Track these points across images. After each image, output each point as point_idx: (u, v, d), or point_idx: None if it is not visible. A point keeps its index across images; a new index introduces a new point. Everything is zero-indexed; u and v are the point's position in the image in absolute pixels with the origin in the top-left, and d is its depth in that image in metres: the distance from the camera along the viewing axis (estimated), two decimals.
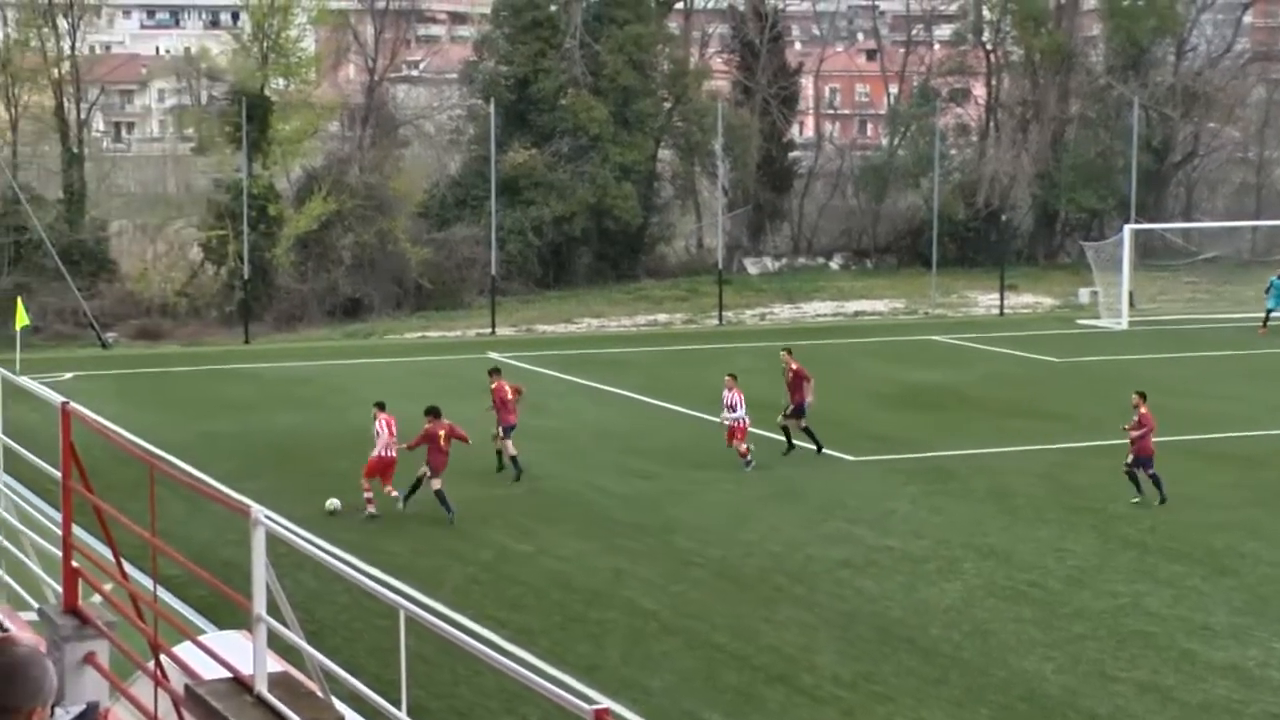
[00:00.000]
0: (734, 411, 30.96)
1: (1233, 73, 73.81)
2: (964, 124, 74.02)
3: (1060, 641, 21.11)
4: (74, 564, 10.69)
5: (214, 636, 12.50)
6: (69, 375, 42.80)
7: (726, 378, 31.54)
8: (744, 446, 30.94)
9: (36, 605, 11.25)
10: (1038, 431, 35.07)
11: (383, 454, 27.16)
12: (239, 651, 9.74)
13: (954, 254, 68.14)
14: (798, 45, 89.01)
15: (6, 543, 12.42)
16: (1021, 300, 59.91)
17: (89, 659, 10.26)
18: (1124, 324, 52.88)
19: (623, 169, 62.36)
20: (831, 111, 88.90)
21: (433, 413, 27.09)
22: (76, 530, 10.93)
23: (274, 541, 9.17)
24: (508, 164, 58.96)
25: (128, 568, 11.48)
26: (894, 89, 77.07)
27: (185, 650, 10.44)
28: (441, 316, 55.88)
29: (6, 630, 11.21)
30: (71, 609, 10.56)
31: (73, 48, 58.13)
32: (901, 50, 77.17)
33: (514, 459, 29.80)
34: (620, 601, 22.64)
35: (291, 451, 32.75)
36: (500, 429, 29.94)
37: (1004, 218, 63.96)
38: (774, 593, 23.19)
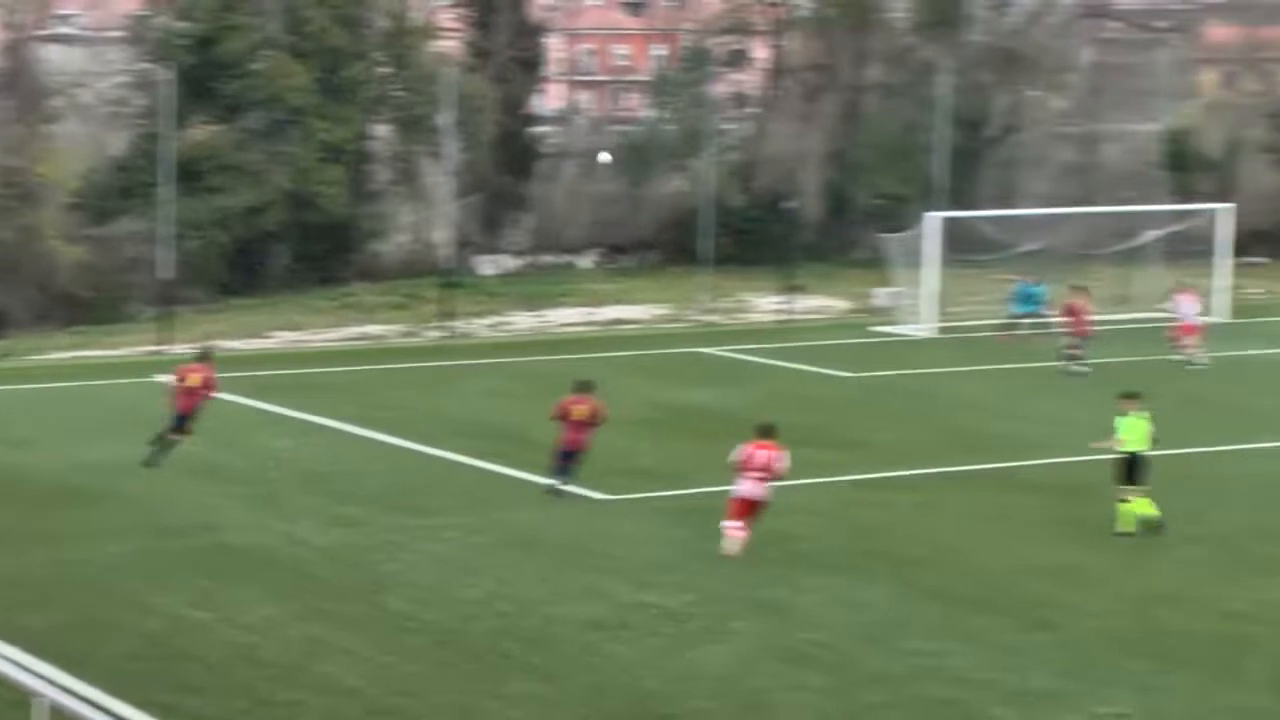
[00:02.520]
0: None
1: (1057, 31, 75.84)
2: (743, 93, 74.95)
3: (853, 713, 21.45)
4: None
5: None
6: None
7: None
8: None
9: None
10: (826, 462, 35.57)
11: None
12: None
13: (730, 249, 68.75)
14: None
15: None
16: (810, 304, 60.82)
17: None
18: (929, 330, 53.98)
19: (329, 149, 61.92)
20: (584, 78, 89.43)
21: None
22: None
23: None
24: (186, 143, 58.15)
25: None
26: (660, 51, 77.73)
27: None
28: (100, 332, 54.91)
29: None
30: None
31: None
32: (669, 3, 78.00)
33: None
34: (317, 679, 22.46)
35: None
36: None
37: (789, 205, 64.89)
38: (504, 662, 23.18)
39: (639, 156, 71.24)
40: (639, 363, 49.04)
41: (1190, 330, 49.70)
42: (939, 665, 23.18)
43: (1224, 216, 58.76)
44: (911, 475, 34.47)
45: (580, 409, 32.47)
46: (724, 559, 28.14)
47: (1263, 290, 65.10)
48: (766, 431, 29.08)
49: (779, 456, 28.70)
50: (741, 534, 28.44)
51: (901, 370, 47.51)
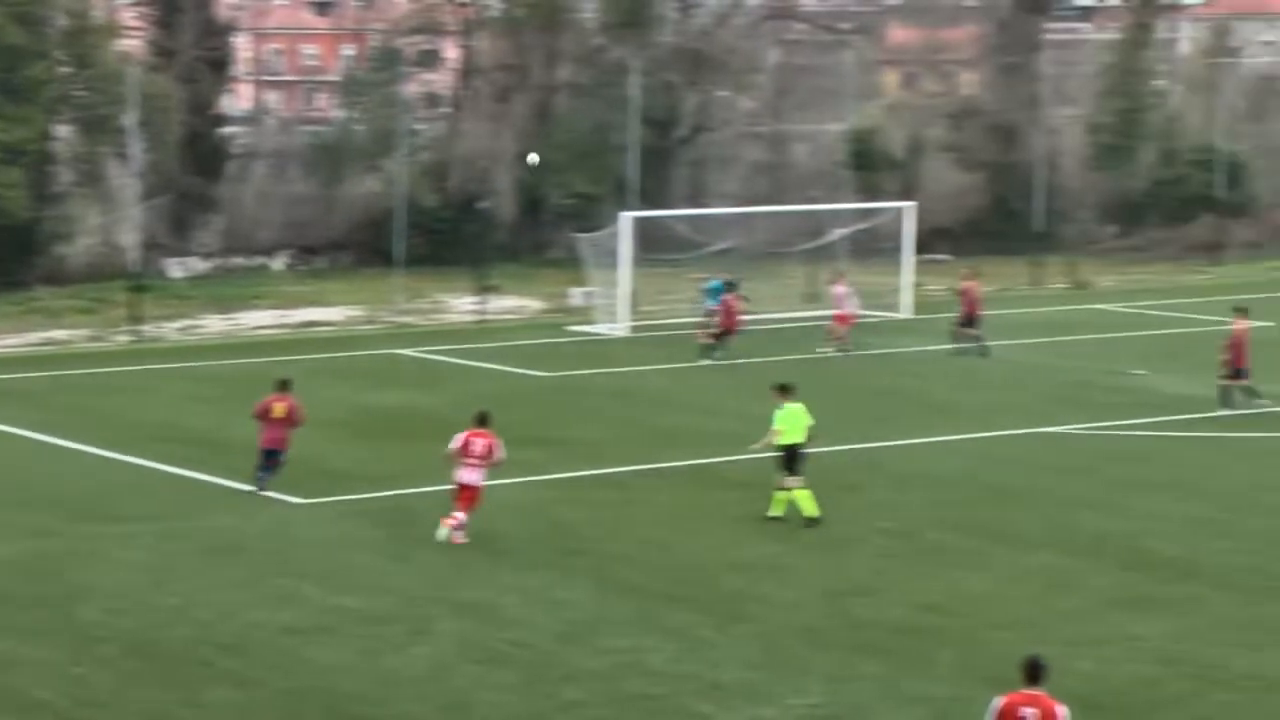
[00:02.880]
0: None
1: (744, 33, 76.94)
2: (434, 93, 74.86)
3: (549, 711, 21.64)
4: None
5: None
6: None
7: None
8: None
9: None
10: (525, 462, 35.65)
11: None
12: None
13: (424, 250, 68.60)
14: None
15: None
16: (505, 304, 60.97)
17: None
18: (623, 330, 54.45)
19: (8, 150, 60.44)
20: (273, 78, 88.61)
21: None
22: None
23: None
24: None
25: None
26: (349, 50, 77.30)
27: None
28: None
29: None
30: None
31: None
32: (357, 3, 77.62)
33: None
34: (6, 694, 22.02)
35: None
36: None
37: (482, 205, 64.97)
38: (201, 669, 23.00)
39: (330, 157, 70.72)
40: (333, 365, 48.75)
41: (843, 320, 50.98)
42: (637, 661, 23.47)
43: (907, 214, 60.08)
44: (611, 473, 34.78)
45: (280, 407, 32.36)
46: (423, 560, 28.15)
47: (944, 287, 66.65)
48: (483, 419, 29.50)
49: (497, 444, 29.14)
50: (455, 522, 28.78)
51: (597, 369, 47.85)
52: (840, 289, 51.99)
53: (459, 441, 29.21)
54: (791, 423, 30.79)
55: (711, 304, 53.41)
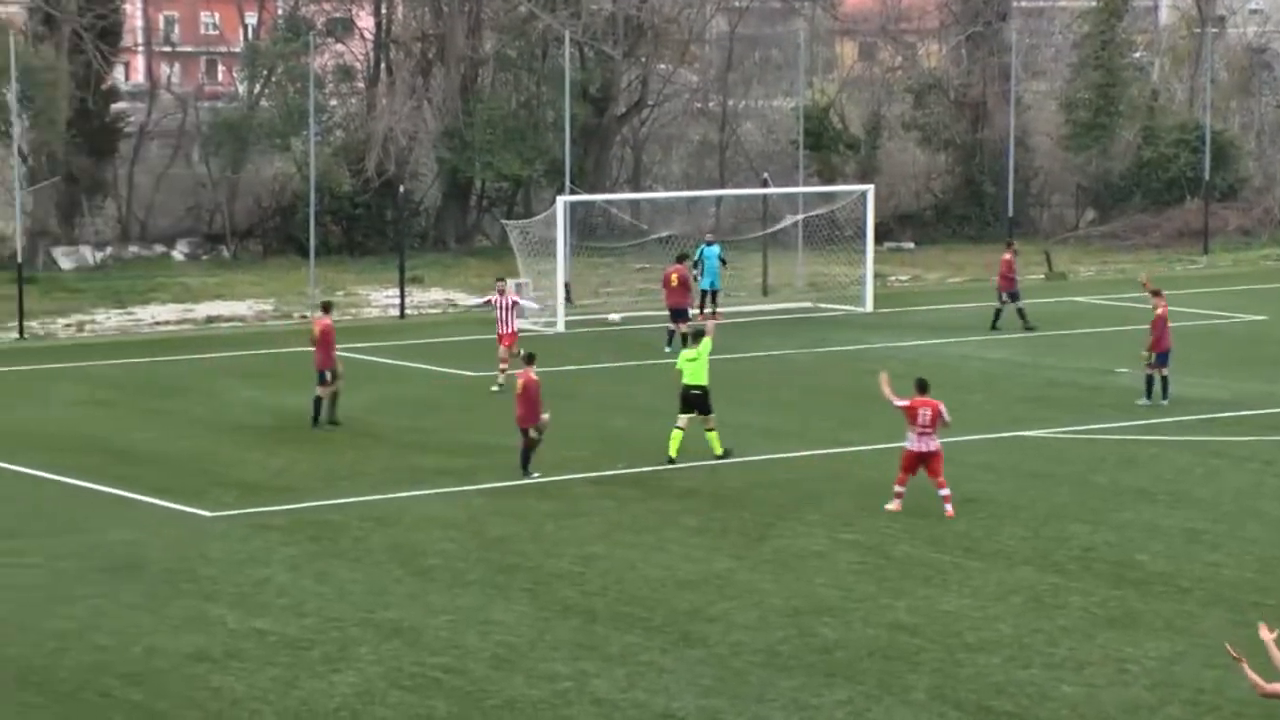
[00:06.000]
0: None
1: (686, 0, 76.88)
2: (348, 66, 74.62)
3: None
4: None
5: None
6: None
7: None
8: None
9: None
10: (454, 469, 35.62)
11: None
12: None
13: (339, 238, 68.60)
14: None
15: None
16: (429, 297, 60.84)
17: None
18: (560, 325, 54.35)
19: None
20: (169, 49, 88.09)
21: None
22: None
23: None
24: None
25: None
26: (252, 18, 76.94)
27: None
28: None
29: None
30: None
31: None
32: None
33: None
34: None
35: None
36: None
37: (402, 189, 64.80)
38: (100, 700, 22.86)
39: (235, 136, 70.35)
40: (241, 364, 48.56)
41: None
42: (580, 688, 23.39)
43: (867, 198, 60.01)
44: (549, 482, 34.67)
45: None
46: (344, 579, 28.03)
47: (908, 277, 66.88)
48: (923, 386, 32.34)
49: (943, 408, 32.07)
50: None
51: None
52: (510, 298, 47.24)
53: (905, 405, 31.92)
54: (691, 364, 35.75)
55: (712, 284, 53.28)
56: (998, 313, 53.34)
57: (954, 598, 27.44)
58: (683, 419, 35.78)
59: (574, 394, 43.17)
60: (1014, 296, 53.41)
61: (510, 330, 44.56)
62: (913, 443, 31.90)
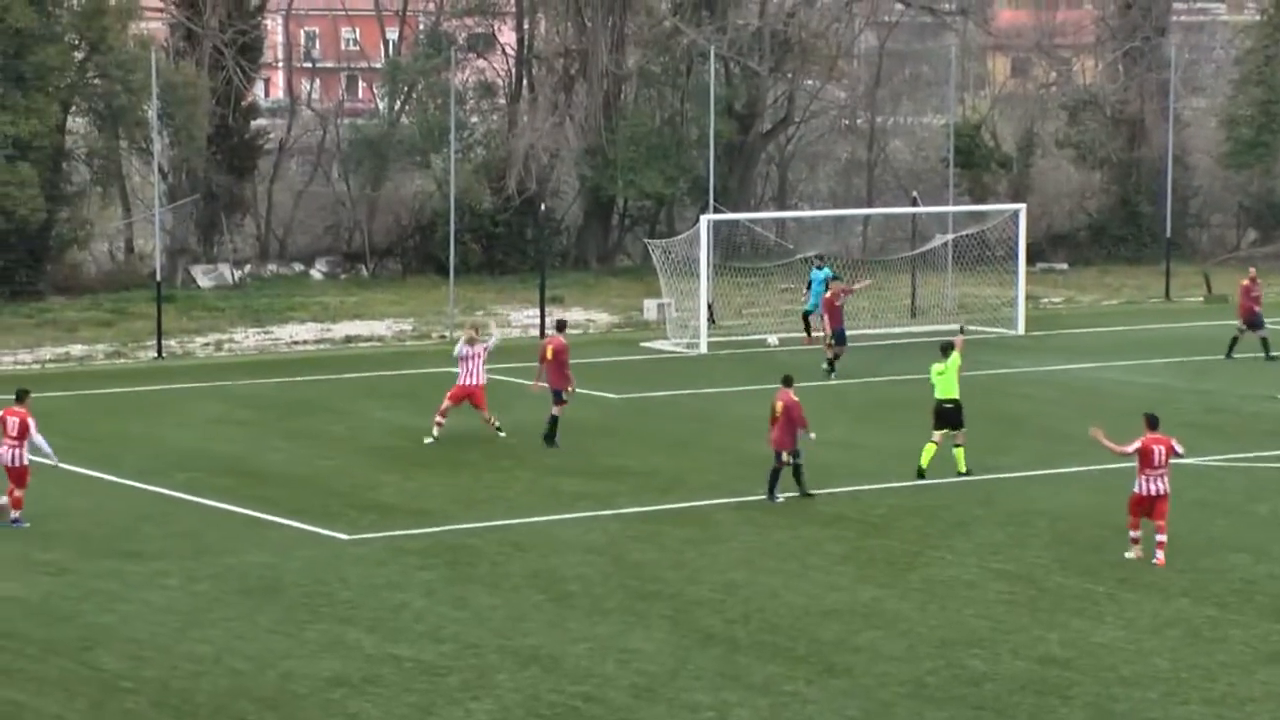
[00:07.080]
0: None
1: (834, 15, 76.79)
2: (489, 82, 74.98)
3: None
4: None
5: None
6: None
7: None
8: None
9: None
10: (594, 493, 35.62)
11: None
12: None
13: (479, 257, 68.85)
14: None
15: None
16: (570, 317, 60.88)
17: None
18: (703, 346, 54.32)
19: (17, 145, 60.77)
20: (310, 65, 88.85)
21: None
22: None
23: None
24: None
25: None
26: (393, 34, 77.45)
27: None
28: None
29: None
30: None
31: None
32: None
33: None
34: None
35: None
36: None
37: (543, 207, 65.00)
38: None
39: (375, 153, 70.84)
40: (379, 385, 48.77)
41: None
42: (722, 718, 23.27)
43: (1019, 218, 59.57)
44: (689, 507, 34.62)
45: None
46: (482, 605, 28.08)
47: (1061, 299, 66.42)
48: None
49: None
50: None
51: (674, 390, 47.68)
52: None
53: (1137, 448, 30.83)
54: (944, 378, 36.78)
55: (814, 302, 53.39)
56: (1233, 340, 52.37)
57: (1108, 630, 27.17)
58: (937, 434, 36.65)
59: (714, 415, 43.10)
60: (1255, 325, 52.31)
61: (478, 382, 40.98)
62: (1142, 486, 30.71)
